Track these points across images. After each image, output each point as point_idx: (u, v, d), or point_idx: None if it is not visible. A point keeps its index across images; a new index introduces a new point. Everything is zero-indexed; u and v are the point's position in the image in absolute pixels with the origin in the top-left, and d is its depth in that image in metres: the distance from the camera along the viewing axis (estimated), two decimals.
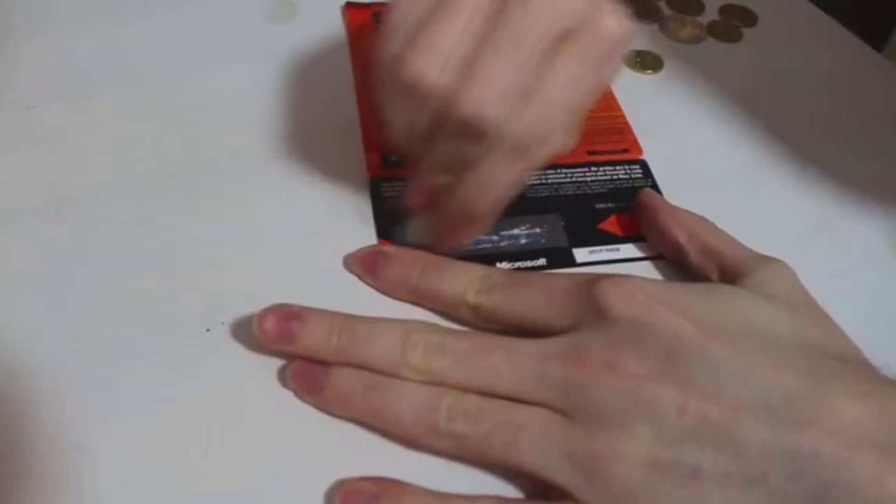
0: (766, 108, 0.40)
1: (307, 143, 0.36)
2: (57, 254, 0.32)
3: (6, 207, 0.33)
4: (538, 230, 0.34)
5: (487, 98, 0.26)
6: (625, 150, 0.38)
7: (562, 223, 0.34)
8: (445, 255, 0.32)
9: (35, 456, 0.26)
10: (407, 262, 0.31)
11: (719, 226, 0.32)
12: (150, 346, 0.29)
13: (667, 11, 0.46)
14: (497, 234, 0.33)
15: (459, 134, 0.27)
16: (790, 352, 0.26)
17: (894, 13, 0.56)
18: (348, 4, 0.43)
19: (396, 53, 0.27)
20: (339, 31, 0.42)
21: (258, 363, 0.29)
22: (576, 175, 0.36)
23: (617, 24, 0.27)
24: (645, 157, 0.38)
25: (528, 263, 0.33)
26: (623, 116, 0.39)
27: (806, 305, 0.29)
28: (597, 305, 0.27)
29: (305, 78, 0.40)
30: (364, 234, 0.33)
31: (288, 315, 0.28)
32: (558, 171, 0.36)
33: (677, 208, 0.33)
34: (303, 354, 0.28)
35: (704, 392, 0.25)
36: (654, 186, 0.36)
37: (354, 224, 0.34)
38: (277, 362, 0.29)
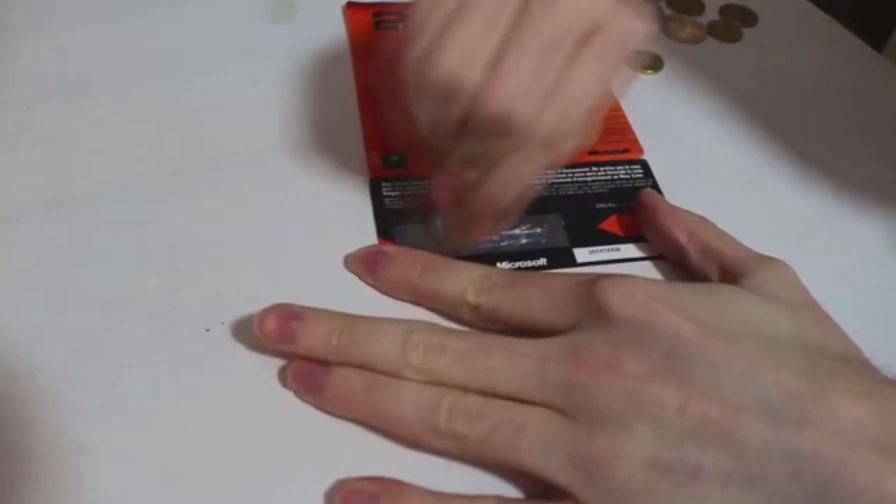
0: (766, 108, 0.40)
1: (307, 143, 0.36)
2: (57, 254, 0.31)
3: (6, 207, 0.33)
4: (539, 230, 0.34)
5: (516, 95, 0.26)
6: (625, 150, 0.38)
7: (562, 223, 0.34)
8: (446, 255, 0.32)
9: (35, 456, 0.26)
10: (407, 262, 0.31)
11: (719, 226, 0.32)
12: (150, 346, 0.29)
13: (667, 11, 0.46)
14: (498, 234, 0.33)
15: (487, 130, 0.27)
16: (790, 352, 0.26)
17: (894, 13, 0.56)
18: (349, 4, 0.43)
19: (424, 51, 0.27)
20: (340, 31, 0.42)
21: (258, 363, 0.29)
22: (576, 175, 0.36)
23: (639, 22, 0.27)
24: (645, 157, 0.38)
25: (529, 263, 0.33)
26: (623, 116, 0.39)
27: (806, 305, 0.29)
28: (597, 305, 0.27)
29: (306, 78, 0.40)
30: (364, 234, 0.33)
31: (288, 315, 0.28)
32: (559, 171, 0.36)
33: (677, 208, 0.33)
34: (303, 354, 0.28)
35: (705, 392, 0.25)
36: (655, 186, 0.36)
37: (354, 224, 0.34)
38: (277, 362, 0.29)
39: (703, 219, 0.33)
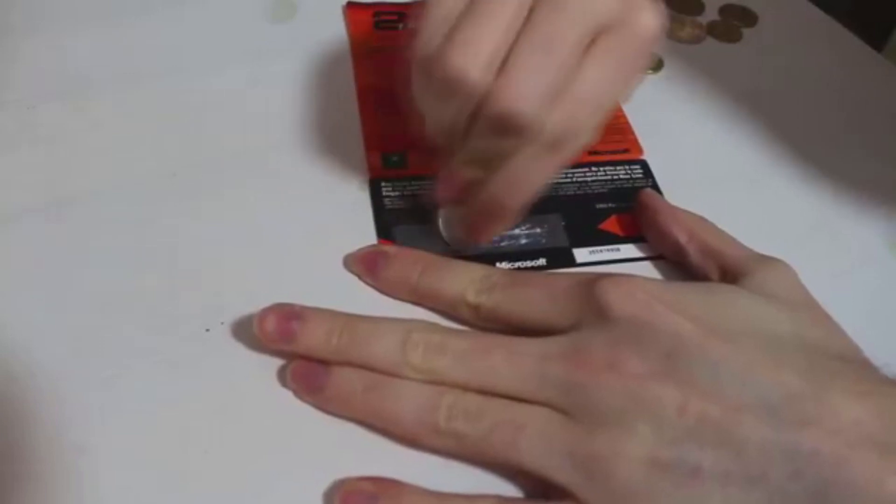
0: (766, 108, 0.40)
1: (308, 143, 0.36)
2: (57, 254, 0.32)
3: (6, 207, 0.33)
4: (538, 230, 0.34)
5: (525, 94, 0.26)
6: (625, 151, 0.38)
7: (562, 223, 0.34)
8: (445, 255, 0.32)
9: (35, 456, 0.26)
10: (407, 262, 0.31)
11: (719, 226, 0.32)
12: (150, 346, 0.29)
13: (667, 11, 0.46)
14: (501, 234, 0.33)
15: (495, 129, 0.27)
16: (790, 351, 0.26)
17: (894, 13, 0.56)
18: (349, 4, 0.43)
19: (434, 49, 0.27)
20: (340, 31, 0.42)
21: (258, 363, 0.29)
22: (576, 175, 0.36)
23: (652, 20, 0.27)
24: (645, 157, 0.38)
25: (529, 263, 0.33)
26: (623, 116, 0.39)
27: (806, 305, 0.29)
28: (597, 305, 0.27)
29: (306, 78, 0.40)
30: (364, 234, 0.33)
31: (288, 315, 0.28)
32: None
33: (677, 208, 0.33)
34: (303, 354, 0.28)
35: (705, 391, 0.25)
36: (655, 186, 0.36)
37: (354, 224, 0.34)
38: (277, 362, 0.29)
39: (702, 219, 0.33)
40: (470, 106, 0.27)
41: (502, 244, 0.33)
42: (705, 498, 0.24)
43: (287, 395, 0.28)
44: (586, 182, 0.36)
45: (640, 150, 0.38)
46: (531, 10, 0.26)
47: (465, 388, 0.27)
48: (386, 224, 0.34)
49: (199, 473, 0.26)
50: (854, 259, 0.35)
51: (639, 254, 0.34)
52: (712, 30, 0.45)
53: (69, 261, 0.31)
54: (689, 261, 0.32)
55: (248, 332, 0.29)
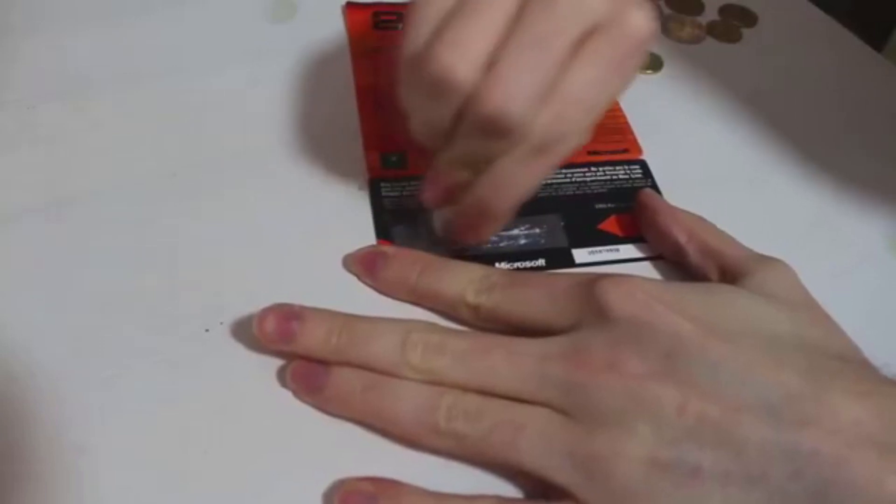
0: (765, 108, 0.40)
1: (307, 143, 0.36)
2: (57, 254, 0.32)
3: (6, 207, 0.33)
4: (538, 230, 0.34)
5: (513, 95, 0.26)
6: (624, 150, 0.38)
7: (561, 223, 0.34)
8: (445, 255, 0.32)
9: (35, 456, 0.26)
10: (406, 263, 0.31)
11: (719, 226, 0.32)
12: (150, 346, 0.29)
13: (666, 11, 0.46)
14: (496, 234, 0.33)
15: (482, 130, 0.27)
16: (790, 351, 0.26)
17: (894, 13, 0.56)
18: (349, 4, 0.43)
19: (422, 48, 0.26)
20: (340, 31, 0.42)
21: (258, 363, 0.29)
22: (575, 175, 0.36)
23: (642, 22, 0.27)
24: (644, 157, 0.38)
25: (528, 264, 0.33)
26: (623, 116, 0.39)
27: (806, 305, 0.29)
28: (597, 305, 0.27)
29: (306, 78, 0.40)
30: (363, 234, 0.33)
31: (288, 315, 0.28)
32: (558, 171, 0.36)
33: (677, 208, 0.33)
34: (302, 354, 0.28)
35: (704, 391, 0.25)
36: (654, 186, 0.36)
37: (354, 224, 0.34)
38: (277, 362, 0.29)
39: (702, 219, 0.33)
40: (457, 105, 0.27)
41: (501, 244, 0.33)
42: (705, 498, 0.24)
43: (287, 395, 0.28)
44: (585, 182, 0.36)
45: (639, 150, 0.38)
46: (521, 10, 0.26)
47: (465, 389, 0.27)
48: (385, 224, 0.34)
49: (199, 473, 0.26)
50: (854, 259, 0.35)
51: (638, 254, 0.34)
52: (712, 30, 0.45)
53: (69, 261, 0.31)
54: (689, 261, 0.32)
55: (248, 332, 0.29)
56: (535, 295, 0.29)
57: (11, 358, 0.28)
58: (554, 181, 0.36)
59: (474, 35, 0.26)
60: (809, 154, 0.38)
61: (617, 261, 0.33)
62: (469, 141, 0.28)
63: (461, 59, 0.26)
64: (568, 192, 0.36)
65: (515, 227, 0.34)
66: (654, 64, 0.42)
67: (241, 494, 0.26)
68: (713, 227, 0.32)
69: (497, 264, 0.33)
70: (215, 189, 0.34)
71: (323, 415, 0.28)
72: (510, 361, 0.27)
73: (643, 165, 0.37)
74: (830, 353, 0.26)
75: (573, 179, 0.36)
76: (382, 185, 0.35)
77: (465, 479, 0.26)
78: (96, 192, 0.34)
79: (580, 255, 0.33)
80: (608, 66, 0.27)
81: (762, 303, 0.28)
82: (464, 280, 0.30)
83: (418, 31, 0.27)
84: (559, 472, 0.25)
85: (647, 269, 0.33)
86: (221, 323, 0.30)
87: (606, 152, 0.37)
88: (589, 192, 0.36)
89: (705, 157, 0.38)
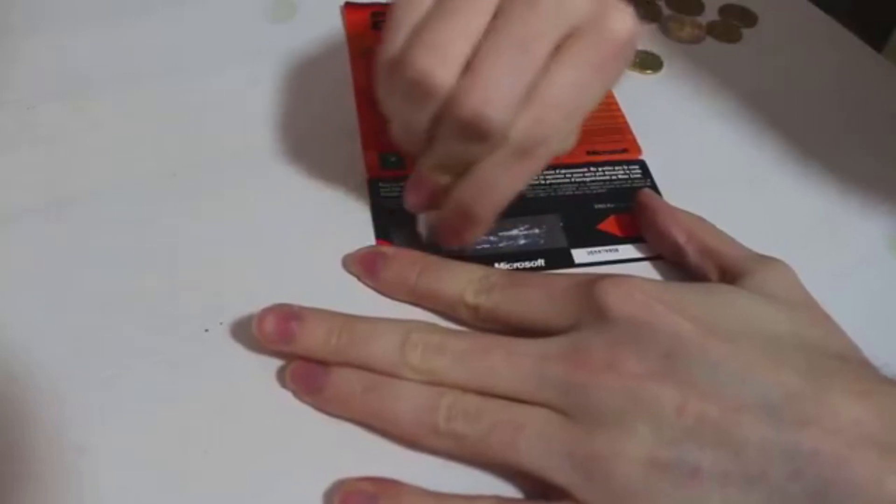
0: (765, 108, 0.40)
1: (307, 144, 0.36)
2: (57, 254, 0.32)
3: (6, 207, 0.33)
4: (537, 231, 0.34)
5: (491, 99, 0.25)
6: (624, 151, 0.38)
7: (560, 224, 0.34)
8: (444, 255, 0.32)
9: (35, 456, 0.26)
10: (406, 263, 0.31)
11: (718, 226, 0.32)
12: (150, 346, 0.29)
13: (666, 11, 0.46)
14: (496, 234, 0.33)
15: (461, 134, 0.27)
16: (790, 351, 0.26)
17: (894, 13, 0.56)
18: (347, 4, 0.43)
19: (400, 51, 0.26)
20: (339, 32, 0.42)
21: (258, 363, 0.29)
22: (574, 175, 0.36)
23: (624, 25, 0.27)
24: (644, 157, 0.38)
25: (527, 264, 0.33)
26: (622, 116, 0.39)
27: (806, 305, 0.29)
28: (596, 305, 0.27)
29: (305, 78, 0.40)
30: (363, 235, 0.33)
31: (287, 315, 0.28)
32: (557, 171, 0.36)
33: (676, 209, 0.33)
34: (302, 355, 0.28)
35: (704, 391, 0.25)
36: (653, 186, 0.36)
37: (353, 224, 0.34)
38: (277, 362, 0.29)
39: (701, 219, 0.33)
40: (435, 109, 0.26)
41: (501, 245, 0.33)
42: (704, 498, 0.24)
43: (287, 396, 0.28)
44: (585, 182, 0.36)
45: (638, 150, 0.38)
46: (500, 12, 0.26)
47: (465, 389, 0.27)
48: (384, 224, 0.34)
49: (199, 473, 0.26)
50: (854, 259, 0.35)
51: (637, 254, 0.34)
52: (712, 30, 0.45)
53: (69, 261, 0.31)
54: (688, 261, 0.32)
55: (248, 332, 0.29)
56: (535, 295, 0.29)
57: (11, 358, 0.28)
58: (553, 181, 0.36)
59: (452, 38, 0.26)
60: (809, 154, 0.38)
61: (616, 261, 0.33)
62: (449, 144, 0.27)
63: (439, 62, 0.26)
64: (567, 193, 0.36)
65: (515, 227, 0.34)
66: (654, 64, 0.42)
67: (241, 494, 0.26)
68: (712, 227, 0.32)
69: (496, 264, 0.33)
70: (215, 189, 0.34)
71: (323, 415, 0.28)
72: (510, 362, 0.27)
73: (642, 165, 0.37)
74: (830, 353, 0.26)
75: (572, 179, 0.36)
76: (381, 185, 0.35)
77: (464, 480, 0.26)
78: (96, 192, 0.34)
79: (579, 255, 0.33)
80: (589, 69, 0.27)
81: (762, 303, 0.28)
82: (463, 280, 0.30)
83: (396, 34, 0.26)
84: (558, 472, 0.25)
85: (646, 270, 0.33)
86: (221, 323, 0.30)
87: (606, 152, 0.37)
88: (588, 192, 0.36)
89: (705, 157, 0.38)
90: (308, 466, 0.27)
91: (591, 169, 0.37)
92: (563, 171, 0.36)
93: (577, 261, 0.33)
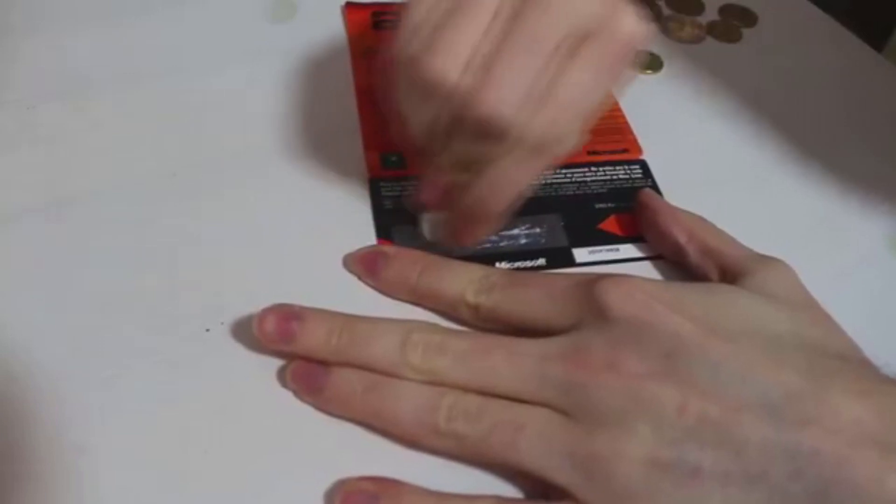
0: (765, 108, 0.40)
1: (307, 144, 0.36)
2: (57, 254, 0.32)
3: (6, 207, 0.33)
4: (538, 230, 0.34)
5: (507, 98, 0.26)
6: (624, 150, 0.38)
7: (561, 223, 0.34)
8: (445, 254, 0.32)
9: (35, 456, 0.26)
10: (407, 263, 0.31)
11: (719, 225, 0.32)
12: (150, 346, 0.29)
13: (666, 11, 0.46)
14: (497, 234, 0.33)
15: (477, 133, 0.27)
16: (790, 351, 0.26)
17: (894, 13, 0.56)
18: (348, 4, 0.43)
19: (416, 52, 0.27)
20: (339, 31, 0.42)
21: (258, 363, 0.29)
22: (575, 175, 0.36)
23: (634, 26, 0.27)
24: (644, 157, 0.38)
25: (528, 263, 0.33)
26: (623, 116, 0.39)
27: (806, 305, 0.29)
28: (597, 305, 0.27)
29: (305, 78, 0.40)
30: (364, 234, 0.33)
31: (288, 315, 0.28)
32: (558, 171, 0.36)
33: (677, 208, 0.33)
34: (303, 354, 0.28)
35: (704, 391, 0.25)
36: (654, 186, 0.36)
37: (354, 224, 0.34)
38: (277, 362, 0.29)
39: (702, 219, 0.33)
40: (451, 109, 0.27)
41: (502, 244, 0.33)
42: (705, 498, 0.24)
43: (287, 396, 0.28)
44: (585, 182, 0.36)
45: (639, 150, 0.38)
46: (513, 13, 0.26)
47: (465, 389, 0.27)
48: (385, 224, 0.34)
49: (199, 473, 0.26)
50: (854, 259, 0.35)
51: (638, 254, 0.34)
52: (712, 30, 0.45)
53: (69, 261, 0.31)
54: (689, 261, 0.32)
55: (248, 332, 0.29)
56: (535, 295, 0.29)
57: (11, 358, 0.28)
58: (554, 181, 0.36)
59: (466, 38, 0.26)
60: (809, 154, 0.38)
61: (617, 260, 0.33)
62: (464, 144, 0.28)
63: (453, 62, 0.26)
64: (568, 192, 0.36)
65: (516, 226, 0.34)
66: (654, 64, 0.42)
67: (241, 494, 0.26)
68: (713, 226, 0.32)
69: (497, 264, 0.33)
70: (215, 189, 0.34)
71: (323, 415, 0.28)
72: (510, 362, 0.27)
73: (643, 165, 0.37)
74: (830, 353, 0.26)
75: (573, 179, 0.36)
76: (382, 184, 0.35)
77: (465, 479, 0.26)
78: (96, 192, 0.34)
79: (580, 254, 0.33)
80: (600, 70, 0.27)
81: (762, 303, 0.28)
82: (464, 280, 0.30)
83: (411, 35, 0.27)
84: (559, 472, 0.25)
85: (647, 269, 0.33)
86: (222, 323, 0.30)
87: (606, 152, 0.37)
88: (589, 191, 0.36)
89: (705, 156, 0.38)
90: (309, 466, 0.27)
91: (592, 169, 0.37)
92: (563, 171, 0.36)
93: (577, 260, 0.33)
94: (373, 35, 0.42)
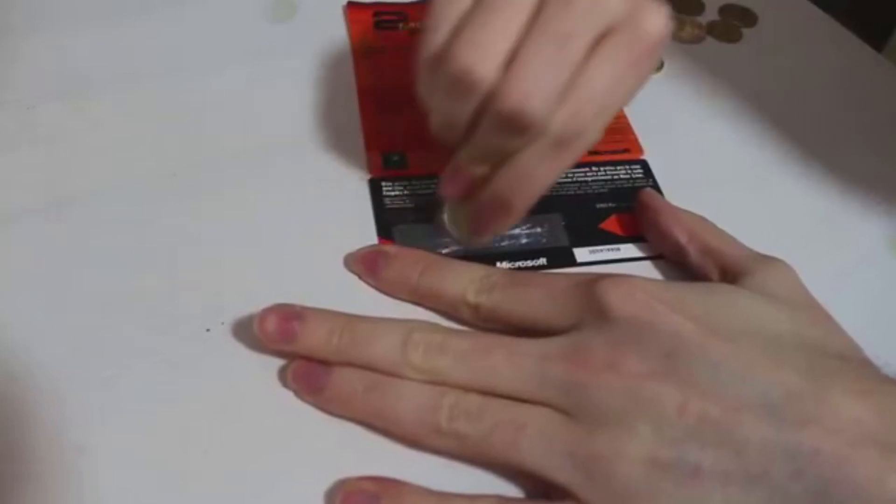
0: (765, 108, 0.40)
1: (307, 143, 0.36)
2: (57, 254, 0.31)
3: (6, 207, 0.33)
4: (539, 230, 0.34)
5: (532, 92, 0.26)
6: (625, 150, 0.38)
7: (562, 223, 0.34)
8: (446, 254, 0.32)
9: (35, 456, 0.26)
10: (407, 262, 0.31)
11: (720, 225, 0.32)
12: (150, 346, 0.29)
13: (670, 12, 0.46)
14: (506, 231, 0.33)
15: (502, 126, 0.27)
16: (790, 351, 0.26)
17: (894, 13, 0.56)
18: (349, 4, 0.43)
19: (442, 47, 0.27)
20: (340, 31, 0.42)
21: (258, 363, 0.29)
22: (576, 175, 0.36)
23: (659, 22, 0.27)
24: (645, 156, 0.38)
25: (529, 263, 0.33)
26: (624, 116, 0.39)
27: (806, 305, 0.29)
28: (597, 305, 0.27)
29: (306, 78, 0.40)
30: (365, 234, 0.33)
31: (289, 315, 0.28)
32: None
33: (678, 208, 0.33)
34: (303, 354, 0.28)
35: (705, 391, 0.25)
36: (655, 186, 0.36)
37: (355, 223, 0.34)
38: (277, 362, 0.29)
39: (703, 219, 0.33)
40: (475, 103, 0.27)
41: (503, 244, 0.33)
42: (706, 498, 0.24)
43: (287, 395, 0.28)
44: (586, 182, 0.36)
45: (640, 150, 0.38)
46: (539, 8, 0.26)
47: (466, 389, 0.27)
48: (386, 224, 0.34)
49: (199, 473, 0.26)
50: (854, 259, 0.35)
51: (639, 253, 0.34)
52: (712, 30, 0.45)
53: (69, 261, 0.31)
54: (690, 261, 0.32)
55: (248, 332, 0.29)
56: (536, 295, 0.29)
57: (11, 358, 0.28)
58: (555, 181, 0.36)
59: (493, 34, 0.26)
60: (810, 154, 0.38)
61: (618, 260, 0.33)
62: (489, 137, 0.28)
63: (481, 57, 0.26)
64: (569, 192, 0.36)
65: (517, 226, 0.34)
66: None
67: (241, 494, 0.26)
68: (714, 226, 0.32)
69: (498, 263, 0.33)
70: (215, 189, 0.34)
71: (324, 415, 0.28)
72: (511, 361, 0.27)
73: (644, 165, 0.37)
74: (831, 353, 0.26)
75: (574, 179, 0.36)
76: (384, 184, 0.35)
77: (466, 479, 0.26)
78: (96, 192, 0.34)
79: (581, 254, 0.33)
80: (624, 66, 0.27)
81: (763, 302, 0.28)
82: (465, 280, 0.30)
83: (437, 31, 0.27)
84: (560, 471, 0.25)
85: (647, 269, 0.33)
86: (222, 323, 0.30)
87: (607, 152, 0.37)
88: (590, 191, 0.36)
89: (706, 156, 0.38)
90: (309, 466, 0.27)
91: (593, 169, 0.37)
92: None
93: (578, 260, 0.33)
94: (374, 35, 0.42)
